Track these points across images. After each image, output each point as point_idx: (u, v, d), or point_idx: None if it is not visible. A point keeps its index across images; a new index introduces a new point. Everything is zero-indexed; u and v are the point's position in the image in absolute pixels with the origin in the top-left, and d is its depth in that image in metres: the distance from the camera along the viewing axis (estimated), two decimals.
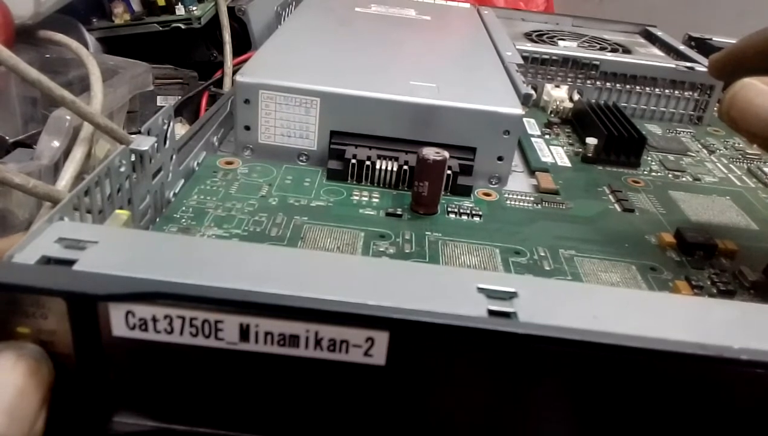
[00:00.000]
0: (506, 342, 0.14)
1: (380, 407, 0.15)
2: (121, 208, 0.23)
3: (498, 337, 0.14)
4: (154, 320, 0.14)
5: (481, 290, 0.15)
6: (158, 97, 0.49)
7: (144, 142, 0.23)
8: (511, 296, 0.15)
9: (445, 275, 0.16)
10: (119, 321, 0.14)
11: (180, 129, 0.46)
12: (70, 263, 0.15)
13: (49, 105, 0.40)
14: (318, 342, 0.14)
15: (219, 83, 0.53)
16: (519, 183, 0.34)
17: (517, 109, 0.31)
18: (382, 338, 0.14)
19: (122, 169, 0.22)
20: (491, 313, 0.14)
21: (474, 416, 0.15)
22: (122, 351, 0.14)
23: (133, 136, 0.37)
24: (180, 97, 0.50)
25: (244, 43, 0.56)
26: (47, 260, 0.15)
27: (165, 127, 0.25)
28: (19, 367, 0.14)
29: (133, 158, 0.23)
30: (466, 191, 0.31)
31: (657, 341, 0.14)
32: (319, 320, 0.14)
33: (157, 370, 0.15)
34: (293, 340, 0.14)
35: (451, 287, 0.15)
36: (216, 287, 0.14)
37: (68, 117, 0.31)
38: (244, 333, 0.14)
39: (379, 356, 0.14)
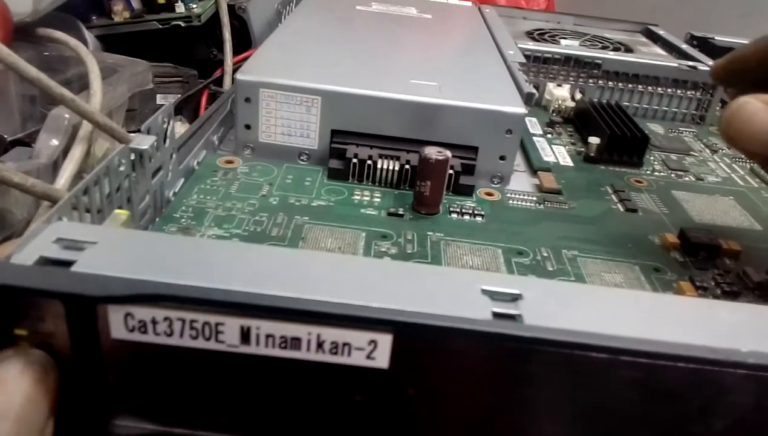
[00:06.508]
0: (511, 345, 0.14)
1: (383, 410, 0.15)
2: (120, 207, 0.22)
3: (502, 339, 0.14)
4: (154, 322, 0.14)
5: (485, 291, 0.15)
6: (158, 96, 0.49)
7: (144, 141, 0.22)
8: (515, 297, 0.15)
9: (448, 277, 0.16)
10: (118, 323, 0.14)
11: (180, 128, 0.45)
12: (69, 263, 0.15)
13: (48, 103, 0.40)
14: (320, 345, 0.14)
15: (219, 82, 0.52)
16: (521, 183, 0.34)
17: (520, 109, 0.31)
18: (385, 340, 0.14)
19: (122, 168, 0.22)
20: (496, 315, 0.14)
21: (477, 419, 0.15)
22: (121, 353, 0.14)
23: (132, 134, 0.37)
24: (180, 95, 0.50)
25: (244, 42, 0.56)
26: (45, 261, 0.15)
27: (165, 125, 0.25)
28: (27, 374, 0.13)
29: (132, 157, 0.23)
30: (468, 191, 0.31)
31: (664, 344, 0.13)
32: (322, 322, 0.14)
33: (157, 372, 0.15)
34: (295, 342, 0.14)
35: (455, 289, 0.15)
36: (217, 289, 0.14)
37: (67, 115, 0.31)
38: (245, 336, 0.14)
39: (381, 359, 0.14)
